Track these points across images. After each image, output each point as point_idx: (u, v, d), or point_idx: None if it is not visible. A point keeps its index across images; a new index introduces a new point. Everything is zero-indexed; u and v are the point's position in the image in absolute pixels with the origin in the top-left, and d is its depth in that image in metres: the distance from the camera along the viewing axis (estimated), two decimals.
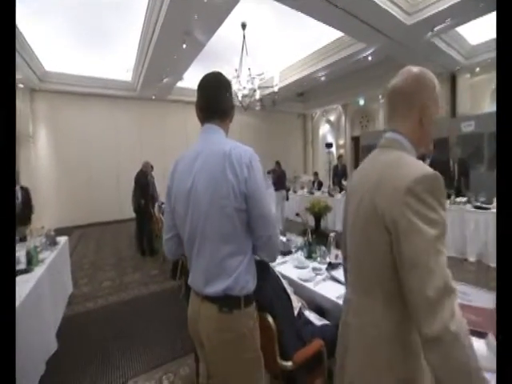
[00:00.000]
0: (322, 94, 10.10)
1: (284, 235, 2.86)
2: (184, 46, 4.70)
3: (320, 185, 7.75)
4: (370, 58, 5.88)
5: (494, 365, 1.00)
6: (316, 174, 8.26)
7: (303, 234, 2.44)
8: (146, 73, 6.16)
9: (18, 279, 2.13)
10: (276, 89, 6.19)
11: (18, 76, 6.24)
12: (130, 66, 6.68)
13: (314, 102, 11.09)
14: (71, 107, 7.54)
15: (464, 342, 0.58)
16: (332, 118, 11.13)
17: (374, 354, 0.75)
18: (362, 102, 9.37)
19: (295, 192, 7.74)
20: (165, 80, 6.56)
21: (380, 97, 8.73)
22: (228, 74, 5.35)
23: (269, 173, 8.30)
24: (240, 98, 6.32)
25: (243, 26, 5.64)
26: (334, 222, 6.32)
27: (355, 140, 10.17)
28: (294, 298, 1.63)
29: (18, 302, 1.75)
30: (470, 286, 1.51)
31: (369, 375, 0.76)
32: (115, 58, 6.41)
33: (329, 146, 11.13)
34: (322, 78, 7.31)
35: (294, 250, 2.36)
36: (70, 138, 7.59)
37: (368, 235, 0.74)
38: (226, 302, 0.93)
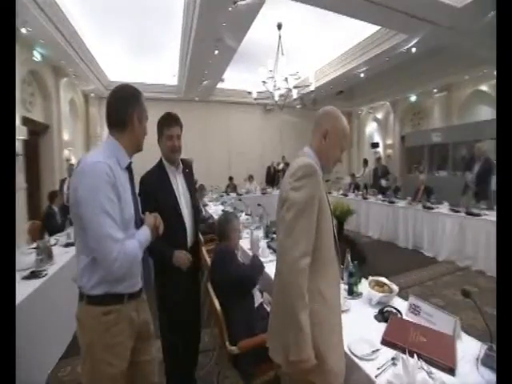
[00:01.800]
0: (367, 91, 9.49)
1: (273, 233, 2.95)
2: (216, 52, 5.00)
3: (357, 187, 7.37)
4: (413, 50, 5.34)
5: (402, 381, 0.99)
6: (353, 175, 7.88)
7: None
8: (188, 77, 6.73)
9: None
10: (312, 87, 6.11)
11: (90, 87, 7.51)
12: (176, 71, 7.35)
13: (359, 100, 10.47)
14: None
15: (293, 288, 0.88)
16: (379, 115, 10.35)
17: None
18: (413, 98, 8.50)
19: (329, 193, 7.55)
20: (204, 83, 7.05)
21: (435, 91, 7.79)
22: (262, 74, 5.51)
23: (275, 170, 8.23)
24: (276, 98, 6.42)
25: (279, 26, 5.71)
26: (366, 225, 5.99)
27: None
28: (256, 293, 1.75)
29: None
30: (437, 308, 1.40)
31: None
32: (164, 65, 7.14)
33: (374, 145, 10.41)
34: (362, 75, 6.89)
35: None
36: None
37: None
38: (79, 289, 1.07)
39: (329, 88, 8.09)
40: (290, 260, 0.86)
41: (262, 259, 2.28)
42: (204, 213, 5.13)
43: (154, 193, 1.56)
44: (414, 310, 1.46)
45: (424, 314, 1.41)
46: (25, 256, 2.28)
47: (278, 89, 6.12)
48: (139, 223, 1.15)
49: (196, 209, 1.77)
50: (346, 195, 6.88)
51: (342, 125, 1.08)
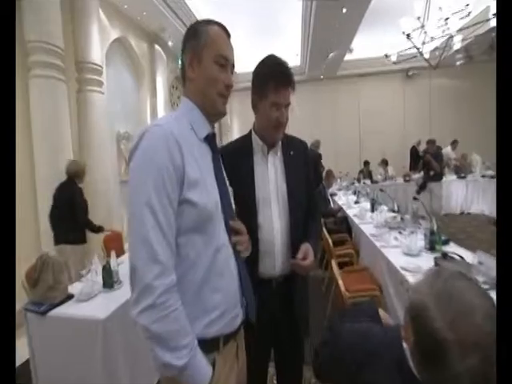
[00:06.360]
0: None
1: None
2: (344, 10, 4.06)
3: None
4: None
5: None
6: None
7: None
8: (311, 51, 6.04)
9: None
10: (493, 23, 4.15)
11: None
12: (298, 50, 6.82)
13: None
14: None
15: None
16: None
17: None
18: None
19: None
20: (330, 55, 6.15)
21: None
22: (405, 26, 4.20)
23: (421, 156, 5.76)
24: (427, 56, 4.87)
25: None
26: None
27: None
28: None
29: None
30: None
31: None
32: (286, 46, 6.73)
33: None
34: None
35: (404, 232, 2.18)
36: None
37: None
38: None
39: None
40: None
41: None
42: (332, 204, 4.45)
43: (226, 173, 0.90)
44: None
45: None
46: None
47: (431, 39, 4.50)
48: (228, 218, 0.78)
49: (300, 213, 1.09)
50: None
51: None
